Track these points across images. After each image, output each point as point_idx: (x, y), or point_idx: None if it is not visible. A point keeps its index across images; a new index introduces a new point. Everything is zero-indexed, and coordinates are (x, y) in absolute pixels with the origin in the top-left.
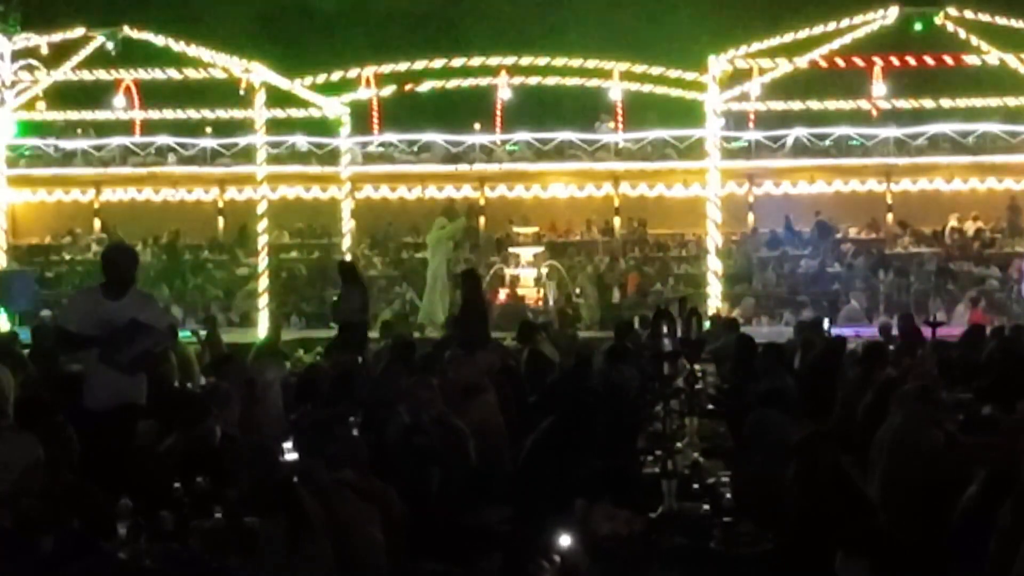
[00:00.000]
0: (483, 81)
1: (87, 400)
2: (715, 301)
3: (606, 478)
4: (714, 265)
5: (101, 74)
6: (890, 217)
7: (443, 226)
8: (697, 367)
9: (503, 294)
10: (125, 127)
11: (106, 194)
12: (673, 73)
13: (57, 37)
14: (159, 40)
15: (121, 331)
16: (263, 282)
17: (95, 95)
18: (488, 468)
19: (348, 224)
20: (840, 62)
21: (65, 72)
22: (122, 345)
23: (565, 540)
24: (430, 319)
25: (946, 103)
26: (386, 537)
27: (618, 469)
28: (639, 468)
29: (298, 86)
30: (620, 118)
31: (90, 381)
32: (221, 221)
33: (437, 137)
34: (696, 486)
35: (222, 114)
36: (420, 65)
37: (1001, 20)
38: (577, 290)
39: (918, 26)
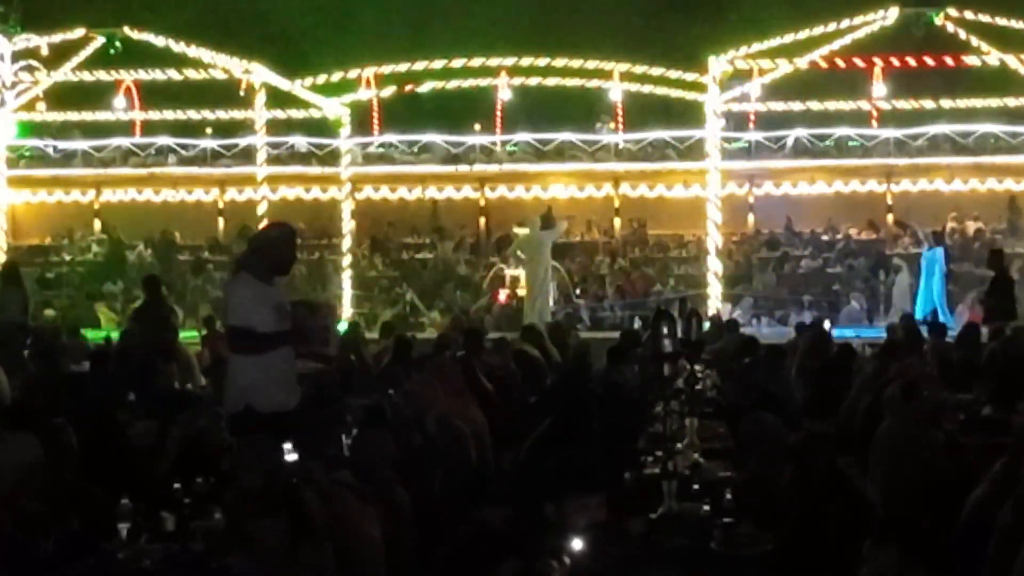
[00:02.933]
0: (483, 82)
1: (257, 403)
2: (715, 302)
3: (574, 470)
4: (714, 266)
5: (101, 75)
6: (890, 218)
7: (535, 226)
8: (697, 368)
9: (503, 294)
10: (125, 128)
11: (106, 195)
12: (673, 74)
13: (57, 38)
14: (159, 41)
15: (317, 318)
16: None
17: (95, 96)
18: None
19: (348, 225)
20: (840, 63)
21: (65, 73)
22: (327, 335)
23: (575, 541)
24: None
25: (946, 104)
26: (391, 537)
27: (586, 461)
28: (612, 456)
29: (298, 87)
30: (620, 119)
31: (258, 380)
32: (221, 222)
33: (437, 138)
34: (696, 487)
35: (222, 115)
36: (420, 65)
37: (1001, 20)
38: (577, 291)
39: (917, 29)
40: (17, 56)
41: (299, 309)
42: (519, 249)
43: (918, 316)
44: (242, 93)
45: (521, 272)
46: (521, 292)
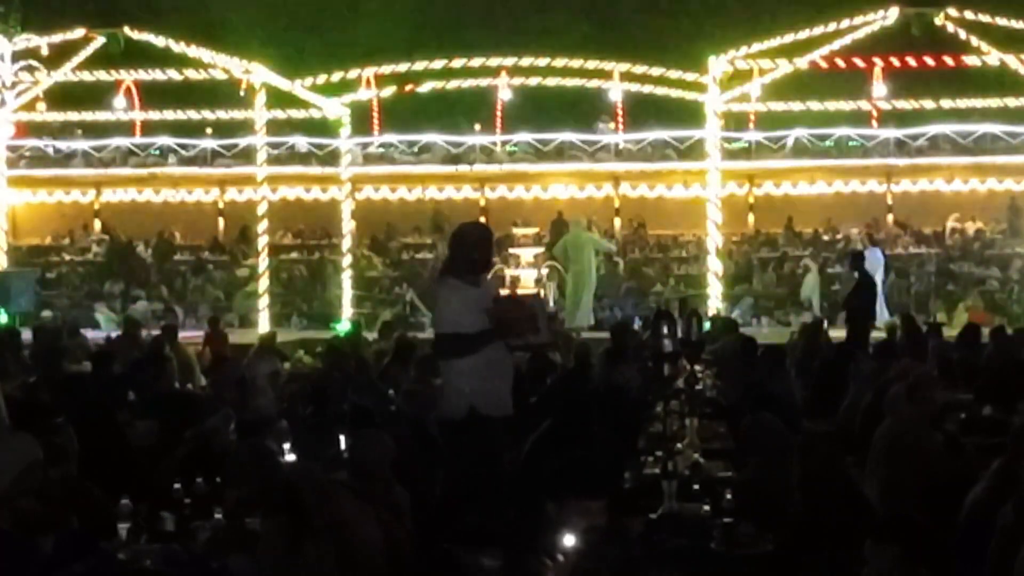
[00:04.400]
0: (483, 82)
1: (481, 405)
2: (715, 302)
3: (573, 471)
4: (714, 266)
5: (101, 75)
6: (890, 218)
7: (586, 228)
8: (697, 368)
9: (503, 295)
10: (125, 128)
11: (106, 195)
12: (673, 74)
13: (57, 38)
14: (159, 41)
15: (523, 308)
16: (263, 283)
17: (95, 96)
18: None
19: (348, 225)
20: (840, 63)
21: (65, 73)
22: (535, 323)
23: (569, 539)
24: (576, 322)
25: (946, 104)
26: (390, 537)
27: (588, 464)
28: (613, 458)
29: (298, 87)
30: (620, 119)
31: (478, 383)
32: (221, 222)
33: (437, 138)
34: (696, 487)
35: (222, 115)
36: (420, 66)
37: (1001, 20)
38: None
39: (917, 29)
40: (17, 56)
41: (503, 303)
42: (564, 250)
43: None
44: (242, 93)
45: (521, 272)
46: (521, 292)
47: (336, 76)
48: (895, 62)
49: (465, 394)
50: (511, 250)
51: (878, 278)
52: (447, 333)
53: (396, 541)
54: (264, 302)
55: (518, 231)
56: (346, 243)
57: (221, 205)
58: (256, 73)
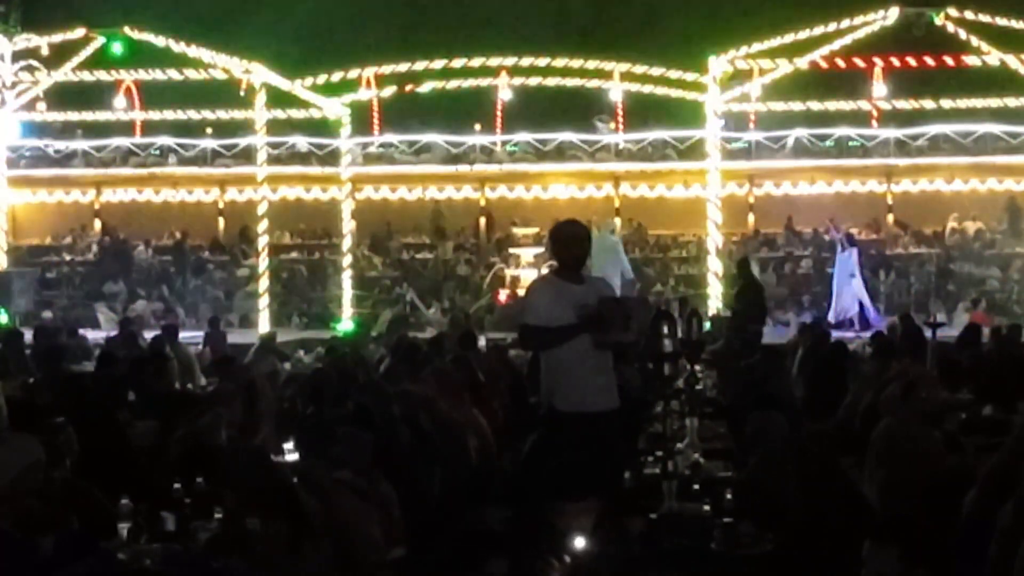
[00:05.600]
0: (483, 82)
1: (560, 403)
2: (715, 302)
3: (562, 475)
4: (715, 266)
5: (102, 75)
6: (890, 218)
7: (613, 230)
8: (697, 368)
9: (503, 295)
10: (126, 128)
11: (106, 195)
12: (673, 74)
13: (58, 38)
14: (159, 41)
15: (620, 307)
16: (263, 283)
17: (95, 96)
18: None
19: (348, 225)
20: (840, 63)
21: (66, 73)
22: (628, 322)
23: (579, 540)
24: None
25: (946, 104)
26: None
27: (572, 464)
28: (611, 459)
29: (298, 87)
30: (620, 119)
31: (561, 380)
32: (222, 222)
33: (437, 138)
34: (696, 487)
35: (223, 115)
36: (420, 66)
37: (1001, 20)
38: None
39: (917, 29)
40: (17, 56)
41: (605, 302)
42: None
43: (833, 318)
44: (242, 93)
45: (521, 272)
46: (521, 292)
47: (336, 76)
48: (895, 62)
49: (545, 391)
50: (511, 250)
51: (857, 280)
52: (530, 324)
53: (386, 535)
54: (264, 302)
55: (518, 231)
56: (346, 243)
57: (221, 205)
58: (256, 73)
